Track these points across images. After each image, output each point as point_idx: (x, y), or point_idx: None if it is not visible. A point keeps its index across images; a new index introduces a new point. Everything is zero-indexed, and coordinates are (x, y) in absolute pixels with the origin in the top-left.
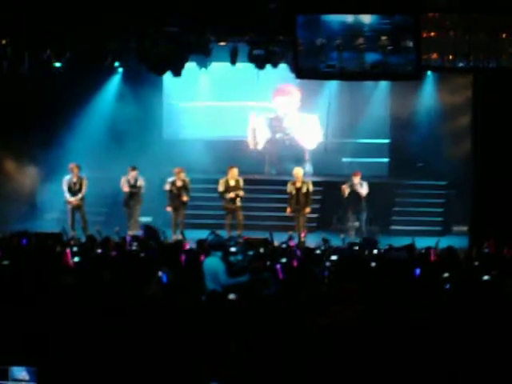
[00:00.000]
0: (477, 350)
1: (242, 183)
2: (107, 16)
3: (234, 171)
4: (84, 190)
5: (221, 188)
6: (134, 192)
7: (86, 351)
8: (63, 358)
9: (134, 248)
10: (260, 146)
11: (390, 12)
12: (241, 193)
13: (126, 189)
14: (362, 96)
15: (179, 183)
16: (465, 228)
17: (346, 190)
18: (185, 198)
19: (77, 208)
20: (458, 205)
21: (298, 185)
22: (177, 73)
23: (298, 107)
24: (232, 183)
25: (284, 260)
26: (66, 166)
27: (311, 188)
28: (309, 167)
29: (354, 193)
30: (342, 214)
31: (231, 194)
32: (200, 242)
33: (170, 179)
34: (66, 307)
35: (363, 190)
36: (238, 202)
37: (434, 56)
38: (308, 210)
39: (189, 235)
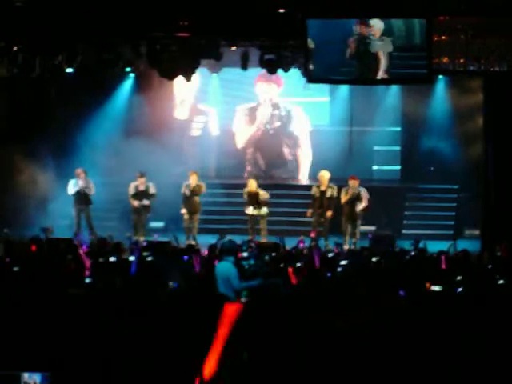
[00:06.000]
0: (488, 354)
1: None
2: (118, 21)
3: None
4: (92, 192)
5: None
6: (145, 204)
7: (98, 356)
8: (76, 363)
9: (145, 254)
10: (243, 141)
11: (402, 16)
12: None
13: (135, 203)
14: (373, 99)
15: (192, 186)
16: (477, 232)
17: (344, 197)
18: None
19: (82, 211)
20: (470, 208)
21: (323, 188)
22: (188, 78)
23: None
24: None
25: (299, 264)
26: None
27: (335, 193)
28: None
29: (351, 200)
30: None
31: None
32: (211, 247)
33: (186, 182)
34: (78, 313)
35: (362, 201)
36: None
37: (445, 59)
38: (330, 213)
39: (203, 240)
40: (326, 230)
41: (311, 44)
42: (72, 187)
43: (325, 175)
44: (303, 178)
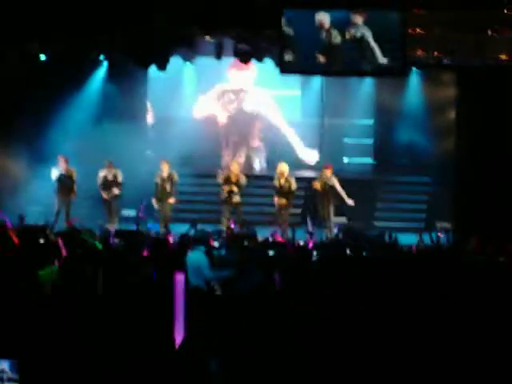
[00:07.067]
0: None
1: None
2: (93, 9)
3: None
4: (74, 185)
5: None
6: (116, 193)
7: (68, 343)
8: (45, 350)
9: (116, 242)
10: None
11: (378, 8)
12: (234, 188)
13: (104, 195)
14: (347, 92)
15: (164, 175)
16: (448, 225)
17: (318, 184)
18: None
19: (65, 200)
20: (442, 201)
21: (282, 181)
22: (162, 66)
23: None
24: (232, 178)
25: (271, 253)
26: (49, 159)
27: (293, 186)
28: (262, 160)
29: (326, 187)
30: (314, 211)
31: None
32: (183, 236)
33: (158, 172)
34: (47, 300)
35: (341, 191)
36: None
37: (419, 52)
38: (282, 201)
39: (176, 229)
40: (286, 220)
41: (290, 33)
42: (54, 173)
43: (282, 168)
44: (272, 169)
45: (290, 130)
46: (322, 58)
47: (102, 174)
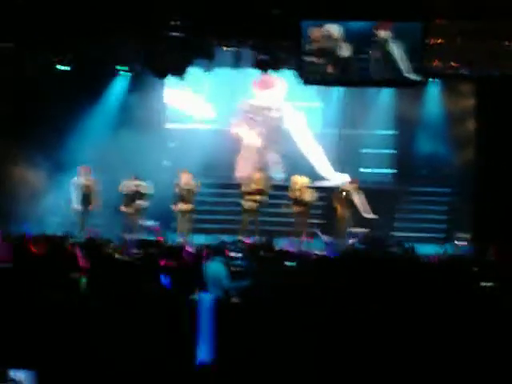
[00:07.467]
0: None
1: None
2: (111, 20)
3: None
4: (97, 196)
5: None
6: (144, 206)
7: (84, 354)
8: (63, 362)
9: (134, 251)
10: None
11: (397, 19)
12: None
13: (126, 209)
14: (366, 102)
15: (184, 185)
16: (468, 235)
17: (339, 196)
18: (184, 206)
19: (86, 211)
20: (462, 212)
21: (297, 193)
22: (180, 76)
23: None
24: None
25: (289, 264)
26: (69, 169)
27: (308, 198)
28: (280, 170)
29: (349, 200)
30: (330, 221)
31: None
32: (202, 247)
33: (176, 181)
34: (66, 311)
35: (356, 200)
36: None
37: (438, 63)
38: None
39: (198, 240)
40: (304, 230)
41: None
42: (74, 185)
43: (296, 179)
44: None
45: (315, 146)
46: (330, 69)
47: (127, 185)
